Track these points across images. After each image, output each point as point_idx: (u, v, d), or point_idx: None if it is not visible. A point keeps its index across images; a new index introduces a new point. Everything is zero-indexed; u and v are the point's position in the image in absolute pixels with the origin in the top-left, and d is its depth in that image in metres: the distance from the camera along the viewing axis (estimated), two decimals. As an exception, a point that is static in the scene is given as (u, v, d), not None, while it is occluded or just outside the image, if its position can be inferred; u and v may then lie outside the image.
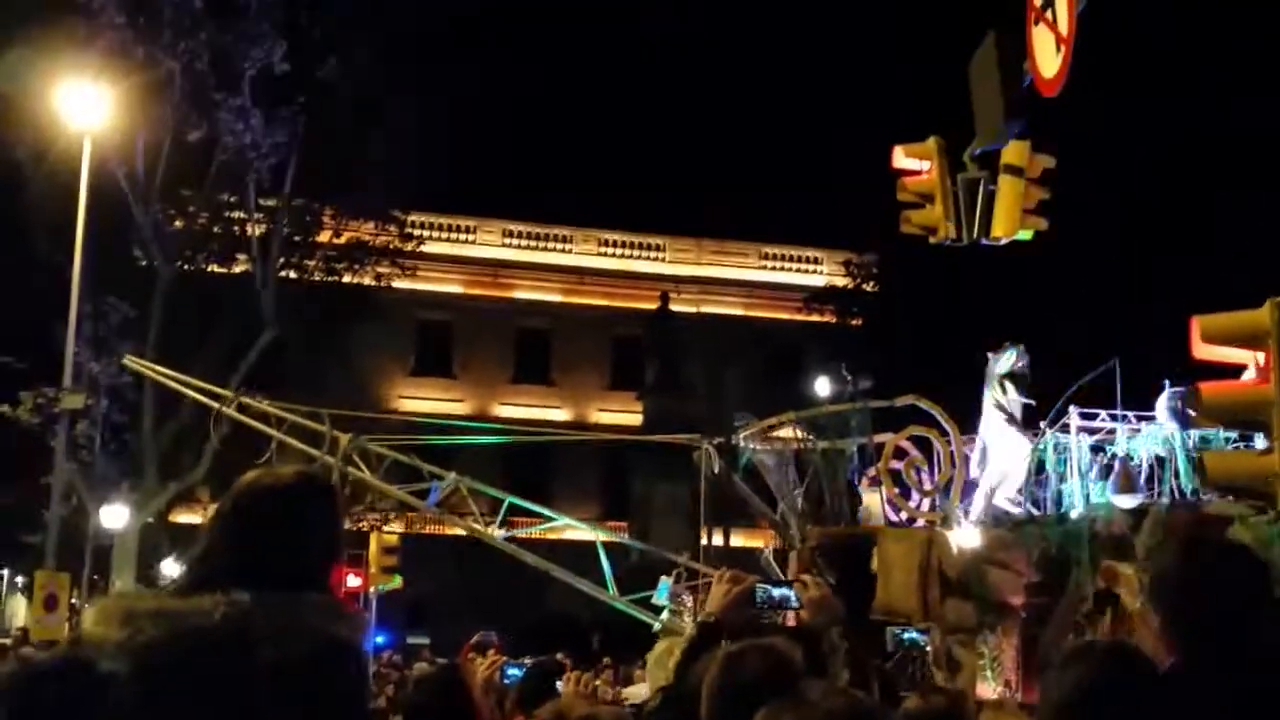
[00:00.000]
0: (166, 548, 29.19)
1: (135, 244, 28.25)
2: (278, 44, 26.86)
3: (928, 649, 12.59)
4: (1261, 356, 6.47)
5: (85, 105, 22.04)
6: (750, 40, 50.34)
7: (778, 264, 46.18)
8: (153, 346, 26.99)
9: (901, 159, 10.83)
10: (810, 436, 16.12)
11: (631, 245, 45.73)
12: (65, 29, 24.41)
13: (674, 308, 43.44)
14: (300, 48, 27.59)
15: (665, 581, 18.16)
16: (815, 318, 39.86)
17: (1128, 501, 13.74)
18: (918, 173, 10.75)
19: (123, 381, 26.01)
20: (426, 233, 39.03)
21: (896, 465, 15.53)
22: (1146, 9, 25.47)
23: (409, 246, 35.23)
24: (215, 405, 17.53)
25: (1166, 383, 14.09)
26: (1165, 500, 13.82)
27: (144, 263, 28.58)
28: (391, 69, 28.80)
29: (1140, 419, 14.48)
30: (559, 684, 6.80)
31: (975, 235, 10.50)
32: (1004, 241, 10.60)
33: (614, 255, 45.62)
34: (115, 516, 26.48)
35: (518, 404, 43.31)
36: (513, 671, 7.30)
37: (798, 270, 45.77)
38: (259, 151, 27.57)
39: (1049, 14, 8.89)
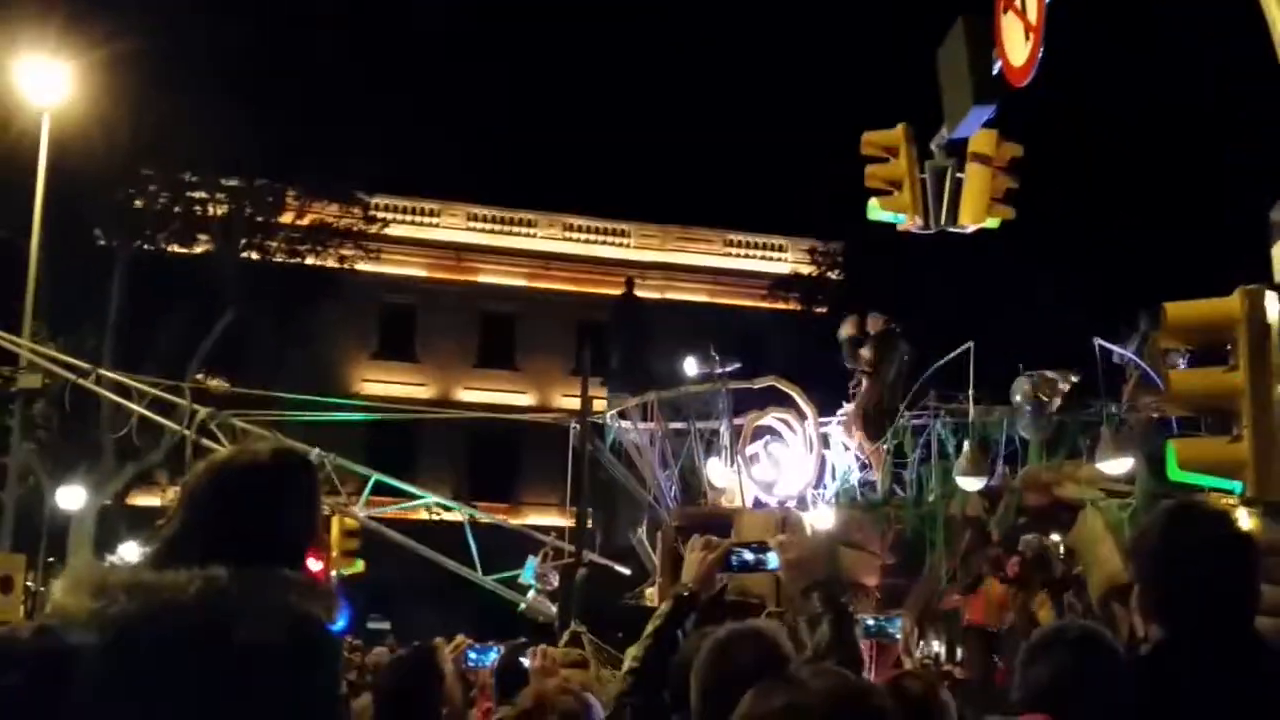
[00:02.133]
0: (125, 530, 28.93)
1: (94, 222, 27.94)
2: (243, 22, 26.58)
3: (898, 636, 12.66)
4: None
5: (44, 82, 21.73)
6: (715, 26, 50.28)
7: (742, 251, 46.17)
8: (112, 326, 26.72)
9: (869, 146, 10.81)
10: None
11: (596, 230, 45.59)
12: (22, 2, 24.07)
13: (639, 293, 43.38)
14: (266, 28, 27.30)
15: (531, 561, 18.28)
16: (780, 305, 39.92)
17: (974, 483, 13.88)
18: (885, 160, 10.73)
19: (82, 360, 25.75)
20: (390, 215, 38.79)
21: (756, 447, 15.70)
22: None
23: (372, 229, 35.02)
24: (71, 377, 17.50)
25: (1020, 366, 14.30)
26: (1018, 483, 13.99)
27: (103, 242, 28.27)
28: (360, 53, 28.59)
29: (995, 403, 14.64)
30: (525, 661, 6.76)
31: (943, 223, 10.51)
32: (971, 229, 10.60)
33: (579, 240, 45.49)
34: (72, 498, 26.21)
35: (481, 388, 43.14)
36: (474, 655, 7.24)
37: (762, 258, 45.78)
38: (222, 130, 27.29)
39: (1018, 3, 8.89)
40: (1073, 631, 3.29)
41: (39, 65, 21.75)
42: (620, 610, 16.12)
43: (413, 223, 43.11)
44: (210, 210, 29.38)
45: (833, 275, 38.26)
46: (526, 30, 44.89)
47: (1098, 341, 14.37)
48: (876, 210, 10.79)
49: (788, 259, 44.23)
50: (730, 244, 46.28)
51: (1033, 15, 8.58)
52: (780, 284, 40.59)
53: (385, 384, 41.65)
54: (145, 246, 28.89)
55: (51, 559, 25.48)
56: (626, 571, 20.70)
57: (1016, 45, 8.78)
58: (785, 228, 43.90)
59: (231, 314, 28.43)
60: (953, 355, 14.71)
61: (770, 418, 15.73)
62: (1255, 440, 6.03)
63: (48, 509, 25.70)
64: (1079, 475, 13.60)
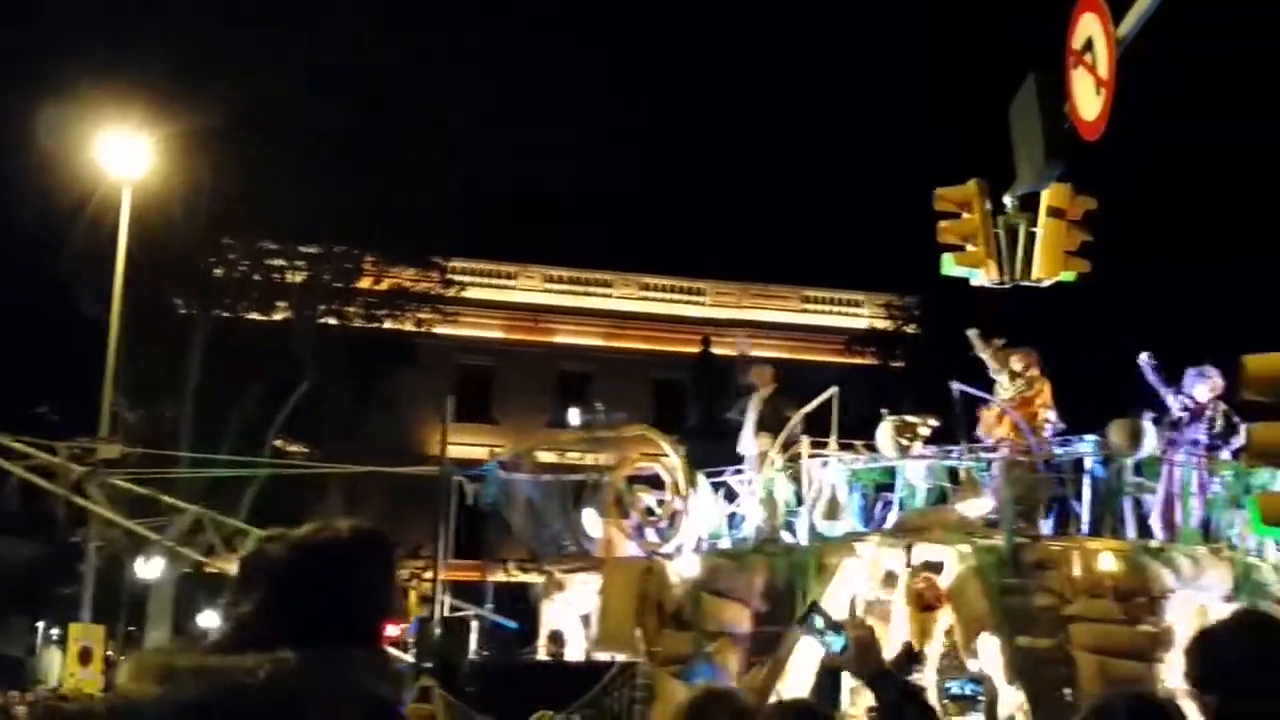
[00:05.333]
0: (203, 598, 29.07)
1: (174, 292, 28.36)
2: (317, 90, 26.98)
3: (979, 699, 12.38)
4: None
5: (125, 156, 22.16)
6: (790, 83, 50.34)
7: (819, 307, 45.90)
8: (191, 395, 27.01)
9: (942, 201, 10.70)
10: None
11: (672, 289, 45.59)
12: (105, 80, 24.60)
13: (716, 351, 43.19)
14: (340, 96, 27.68)
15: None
16: (857, 360, 39.50)
17: (835, 528, 13.91)
18: (958, 215, 10.61)
19: (160, 431, 26.02)
20: (467, 278, 39.04)
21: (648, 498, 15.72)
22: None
23: (450, 292, 35.23)
24: None
25: (884, 411, 14.26)
26: (888, 528, 13.95)
27: (183, 311, 28.68)
28: (434, 117, 28.89)
29: (867, 447, 14.66)
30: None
31: (1018, 277, 10.39)
32: (1046, 283, 10.49)
33: (655, 299, 45.49)
34: (151, 568, 26.34)
35: (559, 448, 43.10)
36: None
37: (839, 313, 45.46)
38: (299, 197, 27.64)
39: (1088, 57, 8.70)
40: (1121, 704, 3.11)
41: (120, 140, 22.19)
42: (475, 664, 16.25)
43: (489, 285, 43.38)
44: (288, 277, 29.70)
45: (909, 329, 37.81)
46: (600, 92, 45.24)
47: (954, 385, 14.45)
48: (951, 265, 10.75)
49: (864, 314, 43.86)
50: (807, 300, 46.03)
51: (1103, 70, 8.37)
52: (857, 339, 40.20)
53: (464, 446, 41.70)
54: (224, 315, 29.24)
55: (131, 629, 25.63)
56: (513, 625, 20.84)
57: (1088, 100, 8.58)
58: (862, 283, 43.59)
59: (310, 380, 28.63)
60: (821, 399, 14.96)
61: (638, 466, 15.89)
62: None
63: (127, 579, 25.86)
64: (947, 520, 13.70)
